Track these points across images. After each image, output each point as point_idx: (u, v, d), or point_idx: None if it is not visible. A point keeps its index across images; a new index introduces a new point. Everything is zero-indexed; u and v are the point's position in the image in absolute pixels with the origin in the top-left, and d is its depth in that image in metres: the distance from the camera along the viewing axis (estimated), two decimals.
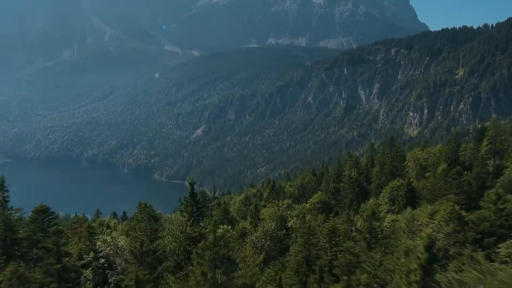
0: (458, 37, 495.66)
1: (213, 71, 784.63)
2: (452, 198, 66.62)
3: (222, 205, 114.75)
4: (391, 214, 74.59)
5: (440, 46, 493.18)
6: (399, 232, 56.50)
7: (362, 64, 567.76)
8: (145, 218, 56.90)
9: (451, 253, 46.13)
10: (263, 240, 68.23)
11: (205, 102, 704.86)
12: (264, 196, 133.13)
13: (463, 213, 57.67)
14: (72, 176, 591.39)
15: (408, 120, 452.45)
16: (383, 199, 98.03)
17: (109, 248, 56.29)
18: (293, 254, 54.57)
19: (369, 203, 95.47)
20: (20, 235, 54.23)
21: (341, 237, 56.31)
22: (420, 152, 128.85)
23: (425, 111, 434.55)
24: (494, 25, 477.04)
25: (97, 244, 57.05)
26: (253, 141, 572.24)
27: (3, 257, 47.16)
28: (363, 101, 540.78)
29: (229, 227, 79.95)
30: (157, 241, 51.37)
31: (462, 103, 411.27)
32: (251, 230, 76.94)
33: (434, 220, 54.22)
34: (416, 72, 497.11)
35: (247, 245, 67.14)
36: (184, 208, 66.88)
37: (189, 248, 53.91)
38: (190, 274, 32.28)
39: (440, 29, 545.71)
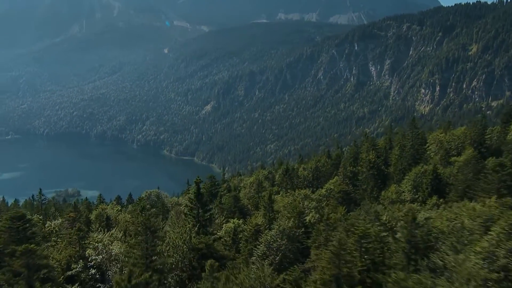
0: (472, 12, 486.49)
1: (222, 46, 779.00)
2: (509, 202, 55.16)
3: (232, 191, 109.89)
4: (423, 212, 63.13)
5: (453, 22, 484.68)
6: (444, 242, 47.03)
7: (373, 40, 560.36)
8: (141, 231, 46.66)
9: None
10: (279, 240, 59.90)
11: (214, 78, 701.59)
12: (276, 178, 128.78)
13: None
14: (81, 152, 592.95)
15: (420, 97, 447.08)
16: (406, 186, 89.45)
17: (101, 257, 51.45)
18: (319, 272, 44.70)
19: (390, 190, 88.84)
20: None
21: (372, 243, 47.21)
22: (443, 134, 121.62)
23: (437, 88, 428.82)
24: (509, 0, 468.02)
25: (87, 252, 52.01)
26: (263, 117, 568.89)
27: None
28: (374, 77, 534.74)
29: (241, 221, 73.04)
30: (154, 257, 44.93)
31: (475, 80, 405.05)
32: (265, 224, 68.86)
33: (491, 230, 43.13)
34: (428, 49, 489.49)
35: (261, 244, 59.62)
36: (189, 212, 58.68)
37: (195, 263, 47.88)
38: None
39: (453, 4, 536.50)
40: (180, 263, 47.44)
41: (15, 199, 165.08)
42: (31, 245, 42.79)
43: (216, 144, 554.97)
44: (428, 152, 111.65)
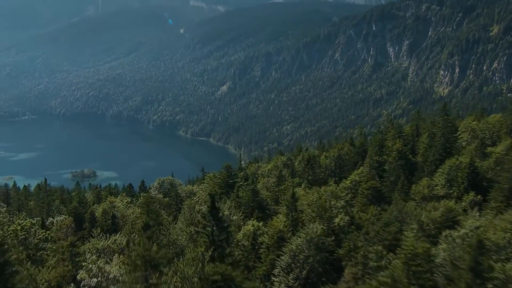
0: None
1: (238, 26, 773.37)
2: None
3: (249, 179, 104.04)
4: (470, 219, 53.63)
5: (473, 2, 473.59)
6: (500, 257, 40.16)
7: (391, 20, 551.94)
8: (140, 265, 36.48)
9: None
10: (306, 251, 52.83)
11: (230, 58, 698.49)
12: (296, 165, 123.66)
13: None
14: (97, 133, 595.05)
15: (439, 78, 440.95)
16: (439, 180, 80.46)
17: (95, 280, 45.77)
18: None
19: (421, 184, 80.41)
20: None
21: (422, 265, 38.65)
22: (475, 122, 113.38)
23: (457, 70, 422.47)
24: None
25: (78, 276, 46.40)
26: (279, 98, 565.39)
27: None
28: (392, 58, 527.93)
29: (261, 223, 65.32)
30: None
31: (496, 61, 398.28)
32: (288, 226, 62.00)
33: None
34: (448, 29, 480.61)
35: (285, 255, 53.18)
36: (202, 229, 47.86)
37: None
38: None
39: None
40: None
41: (24, 185, 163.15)
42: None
43: (232, 125, 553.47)
44: (459, 141, 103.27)
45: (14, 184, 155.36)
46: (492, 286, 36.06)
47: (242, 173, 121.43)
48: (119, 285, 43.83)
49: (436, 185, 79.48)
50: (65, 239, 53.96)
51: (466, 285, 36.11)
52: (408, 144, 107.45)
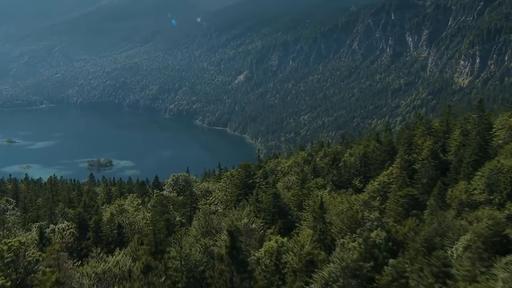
0: None
1: (255, 15, 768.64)
2: None
3: (270, 182, 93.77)
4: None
5: None
6: None
7: (410, 9, 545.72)
8: None
9: None
10: (341, 280, 45.75)
11: (247, 48, 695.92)
12: (317, 161, 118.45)
13: None
14: (114, 122, 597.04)
15: (459, 69, 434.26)
16: (478, 185, 72.47)
17: None
18: None
19: (458, 188, 71.91)
20: None
21: None
22: None
23: (477, 60, 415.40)
24: None
25: None
26: (296, 88, 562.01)
27: None
28: (411, 48, 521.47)
29: (285, 239, 57.06)
30: None
31: None
32: (316, 242, 54.68)
33: None
34: (469, 18, 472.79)
35: (316, 284, 46.22)
36: (218, 275, 37.72)
37: None
38: None
39: None
40: None
41: (35, 179, 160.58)
42: None
43: (249, 114, 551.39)
44: (495, 139, 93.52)
45: (26, 177, 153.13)
46: None
47: (261, 171, 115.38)
48: None
49: (474, 189, 72.07)
50: (54, 270, 45.99)
51: None
52: (439, 141, 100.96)
